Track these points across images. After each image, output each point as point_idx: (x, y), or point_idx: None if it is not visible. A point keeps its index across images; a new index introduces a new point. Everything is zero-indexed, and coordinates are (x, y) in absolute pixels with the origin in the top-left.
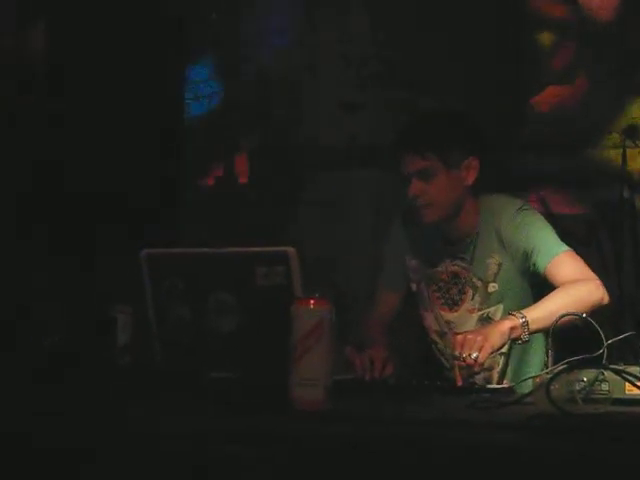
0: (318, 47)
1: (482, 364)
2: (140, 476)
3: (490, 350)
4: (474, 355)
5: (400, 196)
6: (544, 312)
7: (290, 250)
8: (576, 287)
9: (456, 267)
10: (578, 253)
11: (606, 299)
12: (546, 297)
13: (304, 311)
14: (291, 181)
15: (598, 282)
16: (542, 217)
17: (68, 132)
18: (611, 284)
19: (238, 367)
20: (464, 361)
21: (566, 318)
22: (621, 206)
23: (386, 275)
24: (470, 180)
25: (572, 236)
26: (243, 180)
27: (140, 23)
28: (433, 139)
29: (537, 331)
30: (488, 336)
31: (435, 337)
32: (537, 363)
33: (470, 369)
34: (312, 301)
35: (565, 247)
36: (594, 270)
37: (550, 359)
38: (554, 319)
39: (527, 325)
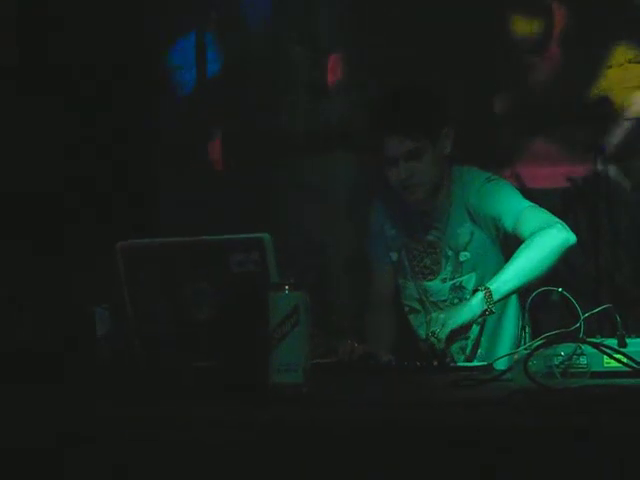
0: (289, 31)
1: (443, 341)
2: (124, 465)
3: (452, 327)
4: (437, 332)
5: (376, 176)
6: (509, 273)
7: (265, 236)
8: (538, 236)
9: (431, 237)
10: None
11: (572, 239)
12: (512, 257)
13: (279, 297)
14: (265, 166)
15: (560, 225)
16: (508, 184)
17: (39, 123)
18: (588, 258)
19: (217, 355)
20: (427, 340)
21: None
22: (596, 179)
23: (375, 249)
24: (448, 149)
25: (548, 211)
26: (218, 167)
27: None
28: (418, 118)
29: (508, 294)
30: (452, 314)
31: (417, 305)
32: (510, 333)
33: (433, 347)
34: (287, 286)
35: (526, 203)
36: None
37: (526, 335)
38: (523, 278)
39: (490, 295)
